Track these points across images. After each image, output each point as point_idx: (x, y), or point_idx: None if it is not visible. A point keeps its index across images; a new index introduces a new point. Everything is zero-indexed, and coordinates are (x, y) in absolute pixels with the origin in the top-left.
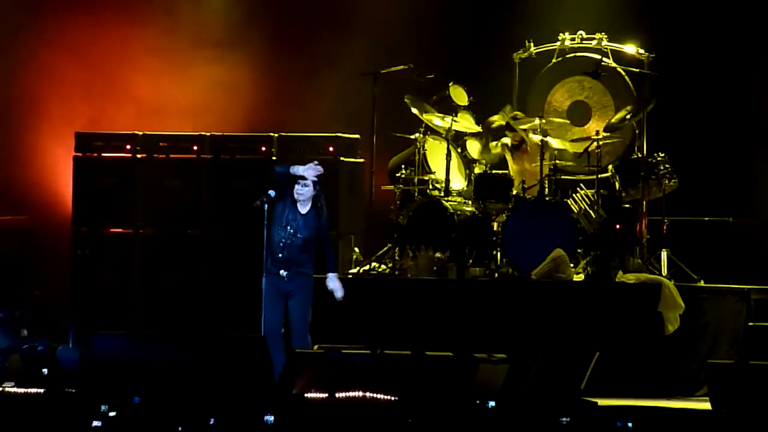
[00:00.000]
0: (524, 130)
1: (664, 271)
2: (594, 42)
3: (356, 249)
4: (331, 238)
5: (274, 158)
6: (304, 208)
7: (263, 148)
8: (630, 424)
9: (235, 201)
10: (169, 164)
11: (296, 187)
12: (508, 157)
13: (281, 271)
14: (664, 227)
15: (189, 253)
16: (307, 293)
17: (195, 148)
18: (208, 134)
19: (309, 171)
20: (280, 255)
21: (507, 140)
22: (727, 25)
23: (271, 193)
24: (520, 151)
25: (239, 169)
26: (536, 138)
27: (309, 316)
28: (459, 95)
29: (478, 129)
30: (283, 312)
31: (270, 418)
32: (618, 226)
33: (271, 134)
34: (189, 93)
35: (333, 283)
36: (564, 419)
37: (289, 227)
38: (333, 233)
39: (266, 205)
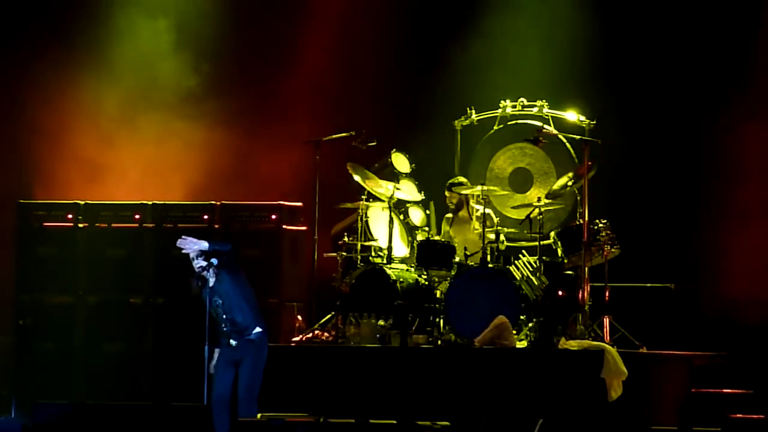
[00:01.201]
0: (466, 197)
1: (607, 338)
2: (535, 109)
3: (299, 317)
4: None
5: (216, 226)
6: (211, 280)
7: (206, 216)
8: None
9: (178, 269)
10: (112, 233)
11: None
12: (448, 230)
13: (231, 341)
14: (607, 294)
15: (132, 321)
16: (258, 359)
17: (137, 216)
18: (151, 203)
19: (185, 248)
20: (223, 327)
21: (447, 195)
22: (667, 92)
23: (214, 261)
24: (461, 220)
25: (180, 237)
26: (479, 207)
27: (258, 384)
28: (401, 162)
29: (421, 196)
30: (232, 380)
31: None
32: (560, 293)
33: (214, 202)
34: (131, 160)
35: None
36: None
37: (213, 302)
38: (275, 301)
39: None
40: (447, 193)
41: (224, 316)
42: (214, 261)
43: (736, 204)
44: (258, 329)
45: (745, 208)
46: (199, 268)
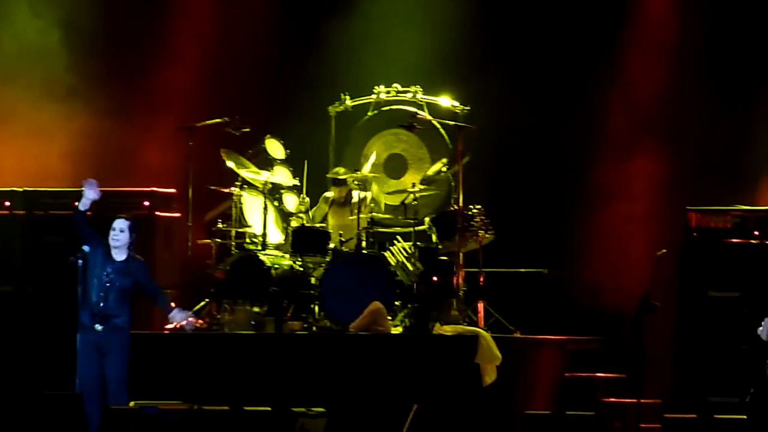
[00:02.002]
0: (349, 185)
1: (481, 323)
2: (409, 95)
3: (173, 304)
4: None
5: (88, 213)
6: (119, 256)
7: (76, 203)
8: None
9: (48, 257)
10: None
11: (111, 234)
12: (326, 210)
13: (96, 326)
14: (481, 279)
15: (2, 309)
16: (124, 348)
17: (7, 203)
18: (21, 189)
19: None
20: (97, 307)
21: (330, 194)
22: (540, 77)
23: (86, 248)
24: (342, 206)
25: (53, 225)
26: (363, 193)
27: (125, 372)
28: (275, 148)
29: (295, 182)
30: (100, 368)
31: None
32: (435, 279)
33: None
34: (6, 149)
35: (179, 315)
36: None
37: (106, 277)
38: None
39: (80, 261)
40: (334, 189)
41: (113, 296)
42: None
43: (605, 188)
44: (125, 316)
45: (612, 191)
46: (116, 239)
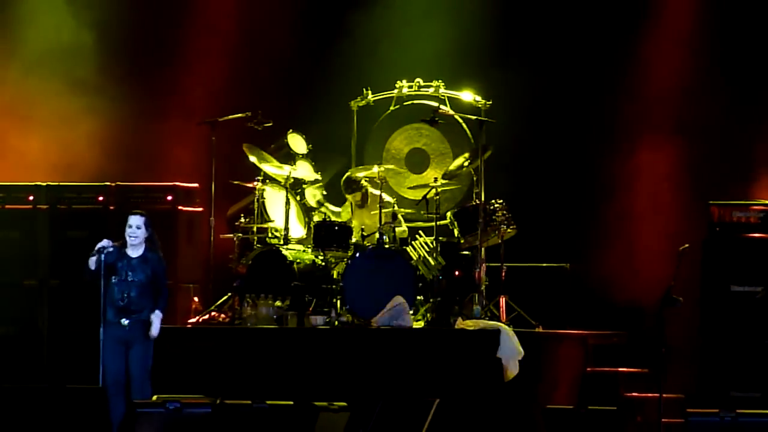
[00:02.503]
0: (364, 186)
1: (503, 317)
2: (431, 89)
3: (195, 299)
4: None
5: (111, 207)
6: (135, 252)
7: (100, 198)
8: None
9: (72, 251)
10: (5, 214)
11: (127, 231)
12: (349, 213)
13: (122, 320)
14: (503, 273)
15: (26, 303)
16: (148, 341)
17: (31, 198)
18: (44, 184)
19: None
20: (121, 303)
21: (349, 198)
22: (561, 73)
23: (105, 244)
24: (361, 207)
25: (76, 219)
26: (376, 192)
27: (150, 365)
28: (297, 143)
29: (317, 176)
30: (124, 362)
31: None
32: (457, 273)
33: (108, 183)
34: (25, 141)
35: (154, 320)
36: None
37: (125, 274)
38: (171, 282)
39: (103, 257)
40: (348, 197)
41: (133, 291)
42: (153, 234)
43: (627, 182)
44: (148, 309)
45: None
46: (134, 236)
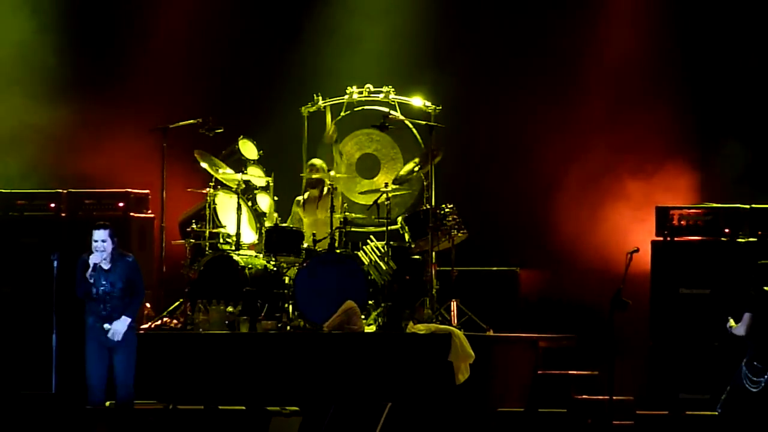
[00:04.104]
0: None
1: (454, 321)
2: (381, 95)
3: (147, 305)
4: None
5: (63, 214)
6: (107, 264)
7: (52, 205)
8: None
9: (23, 258)
10: None
11: (93, 245)
12: (299, 211)
13: (105, 325)
14: (454, 277)
15: None
16: (132, 345)
17: None
18: None
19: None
20: (103, 313)
21: (303, 197)
22: (508, 75)
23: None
24: (311, 200)
25: (28, 226)
26: (334, 190)
27: (133, 368)
28: (249, 149)
29: (269, 180)
30: (106, 366)
31: None
32: (408, 277)
33: (60, 191)
34: None
35: (120, 325)
36: None
37: (101, 286)
38: None
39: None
40: (310, 189)
41: (106, 303)
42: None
43: (577, 186)
44: (131, 319)
45: (584, 188)
46: (101, 250)
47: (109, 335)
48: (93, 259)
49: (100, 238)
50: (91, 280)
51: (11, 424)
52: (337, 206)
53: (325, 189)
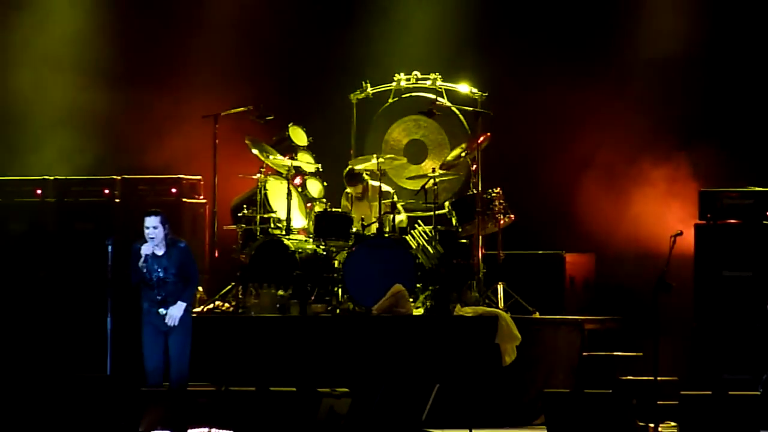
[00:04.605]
0: (365, 179)
1: (501, 304)
2: (429, 82)
3: (200, 288)
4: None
5: (117, 200)
6: (160, 249)
7: (107, 191)
8: None
9: (79, 243)
10: (14, 207)
11: (146, 232)
12: (347, 205)
13: (160, 310)
14: (500, 261)
15: (35, 295)
16: (187, 331)
17: (39, 191)
18: (52, 177)
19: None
20: (158, 298)
21: (350, 190)
22: (556, 64)
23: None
24: (361, 200)
25: (83, 212)
26: (375, 183)
27: (188, 351)
28: (298, 136)
29: (318, 167)
30: (163, 349)
31: None
32: (455, 261)
33: (114, 177)
34: (33, 136)
35: (176, 310)
36: None
37: (155, 273)
38: None
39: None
40: (349, 189)
41: (161, 289)
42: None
43: (623, 170)
44: (186, 302)
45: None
46: (153, 237)
47: (166, 320)
48: (144, 250)
49: (152, 224)
50: (144, 270)
51: (67, 406)
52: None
53: (369, 188)
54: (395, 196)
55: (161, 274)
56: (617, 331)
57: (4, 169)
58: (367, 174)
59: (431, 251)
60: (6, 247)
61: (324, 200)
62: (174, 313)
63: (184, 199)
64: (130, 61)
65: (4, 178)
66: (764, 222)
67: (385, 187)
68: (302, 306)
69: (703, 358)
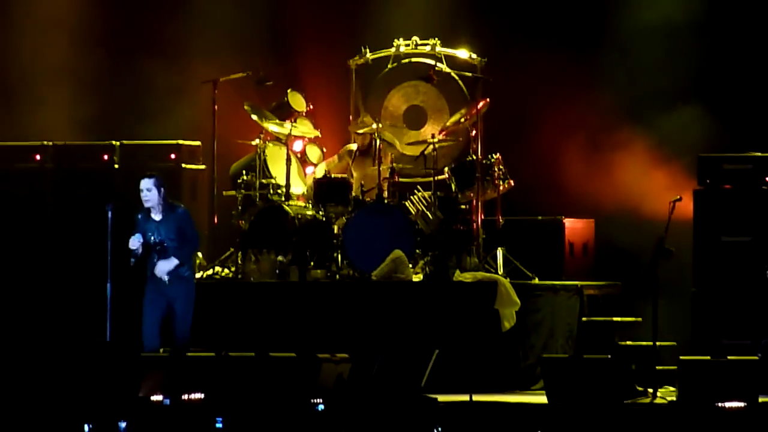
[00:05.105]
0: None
1: (500, 270)
2: (428, 48)
3: (199, 254)
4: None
5: (116, 166)
6: (158, 214)
7: (105, 156)
8: None
9: (78, 209)
10: (13, 173)
11: (141, 195)
12: (350, 163)
13: (164, 277)
14: (500, 227)
15: (34, 261)
16: (190, 297)
17: (38, 157)
18: (50, 143)
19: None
20: (160, 263)
21: (353, 146)
22: (555, 29)
23: (134, 246)
24: (364, 156)
25: (82, 178)
26: (388, 135)
27: (191, 317)
28: (297, 102)
29: (317, 133)
30: (162, 314)
31: (122, 425)
32: (455, 227)
33: (113, 142)
34: (30, 99)
35: (165, 264)
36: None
37: (154, 238)
38: None
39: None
40: (355, 136)
41: (162, 251)
42: (165, 195)
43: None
44: (186, 266)
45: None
46: (147, 200)
47: (155, 271)
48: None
49: (146, 186)
50: (148, 230)
51: (68, 371)
52: (385, 159)
53: (375, 142)
54: (397, 148)
55: (160, 238)
56: (616, 296)
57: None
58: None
59: (431, 217)
60: (6, 212)
61: (324, 165)
62: (162, 266)
63: (183, 165)
64: (132, 28)
65: (3, 144)
66: (763, 187)
67: (389, 142)
68: (301, 272)
69: (702, 323)
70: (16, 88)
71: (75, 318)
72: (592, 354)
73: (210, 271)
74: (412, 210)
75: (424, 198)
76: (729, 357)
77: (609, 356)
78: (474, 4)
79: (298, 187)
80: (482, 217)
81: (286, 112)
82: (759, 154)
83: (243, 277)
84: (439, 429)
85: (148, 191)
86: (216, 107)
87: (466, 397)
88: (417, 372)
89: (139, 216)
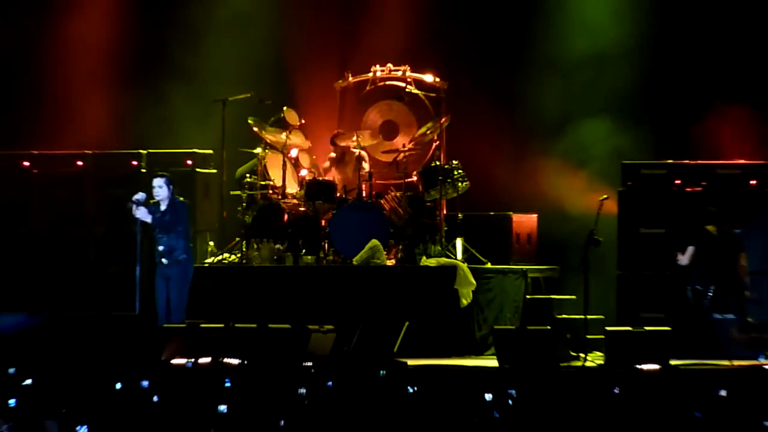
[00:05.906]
0: (346, 145)
1: (459, 256)
2: (400, 73)
3: (211, 243)
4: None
5: (143, 170)
6: (164, 206)
7: (134, 162)
8: None
9: (113, 205)
10: (59, 177)
11: (153, 191)
12: (333, 168)
13: (162, 260)
14: (459, 221)
15: (76, 248)
16: (184, 278)
17: (80, 163)
18: (90, 152)
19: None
20: (159, 248)
21: (332, 155)
22: (504, 57)
23: (138, 196)
24: (343, 163)
25: (116, 180)
26: (356, 151)
27: (185, 297)
28: (292, 117)
29: (309, 144)
30: (166, 293)
31: (145, 383)
32: (422, 221)
33: (141, 151)
34: (73, 115)
35: (140, 212)
36: (382, 372)
37: (157, 224)
38: (192, 230)
39: (135, 206)
40: (332, 147)
41: (162, 239)
42: (172, 191)
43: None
44: (180, 250)
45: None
46: (158, 195)
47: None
48: (137, 196)
49: (158, 184)
50: (154, 218)
51: (105, 339)
52: (361, 165)
53: (347, 153)
54: (365, 161)
55: (160, 226)
56: (555, 278)
57: (52, 145)
58: (348, 142)
59: (402, 212)
60: (52, 209)
61: (313, 171)
62: (138, 213)
63: (197, 170)
64: (157, 56)
65: (53, 153)
66: (674, 189)
67: (362, 152)
68: (295, 257)
69: (624, 300)
70: (62, 105)
71: (110, 295)
72: (535, 326)
73: (219, 257)
74: (387, 207)
75: (397, 197)
76: (646, 328)
77: (548, 327)
78: (439, 36)
79: (293, 188)
80: (444, 212)
81: (282, 126)
82: (671, 161)
83: (247, 262)
84: (415, 388)
85: (160, 188)
86: (225, 122)
87: (431, 361)
88: (390, 340)
89: (151, 201)
